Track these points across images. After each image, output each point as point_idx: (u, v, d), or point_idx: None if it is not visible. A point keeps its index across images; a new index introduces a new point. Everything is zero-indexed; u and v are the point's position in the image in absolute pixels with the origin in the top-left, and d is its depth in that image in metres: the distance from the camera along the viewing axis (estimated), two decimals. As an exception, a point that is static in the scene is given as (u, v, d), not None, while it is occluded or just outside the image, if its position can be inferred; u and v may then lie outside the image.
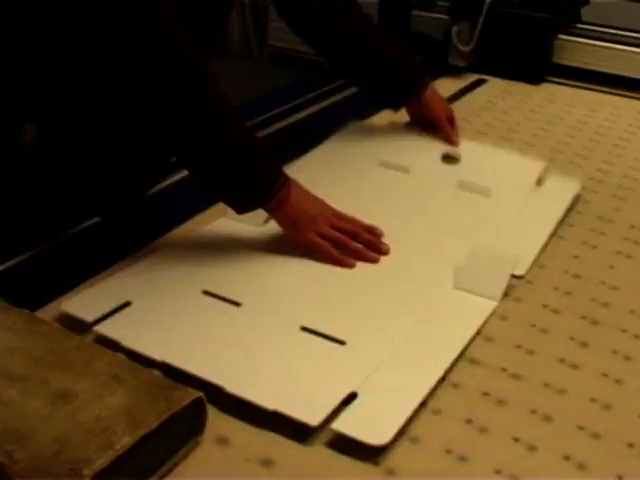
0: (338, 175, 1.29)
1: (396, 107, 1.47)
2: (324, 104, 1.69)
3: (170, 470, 0.74)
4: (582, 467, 0.77)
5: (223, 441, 0.77)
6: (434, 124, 1.45)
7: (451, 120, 1.46)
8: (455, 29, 1.86)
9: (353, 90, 1.77)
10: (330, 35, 1.37)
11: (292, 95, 1.70)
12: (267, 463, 0.75)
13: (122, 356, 0.80)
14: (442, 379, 0.87)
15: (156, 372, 0.78)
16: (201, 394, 0.75)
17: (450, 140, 1.42)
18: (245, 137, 1.00)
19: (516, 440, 0.80)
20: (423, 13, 2.00)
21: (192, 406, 0.74)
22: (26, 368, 0.76)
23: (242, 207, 1.04)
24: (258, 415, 0.79)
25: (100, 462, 0.66)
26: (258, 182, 1.01)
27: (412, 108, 1.47)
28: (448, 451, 0.78)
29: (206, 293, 0.96)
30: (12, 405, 0.71)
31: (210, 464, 0.75)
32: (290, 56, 4.20)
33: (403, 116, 1.50)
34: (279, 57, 4.38)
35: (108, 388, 0.74)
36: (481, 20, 1.86)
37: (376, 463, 0.76)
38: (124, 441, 0.68)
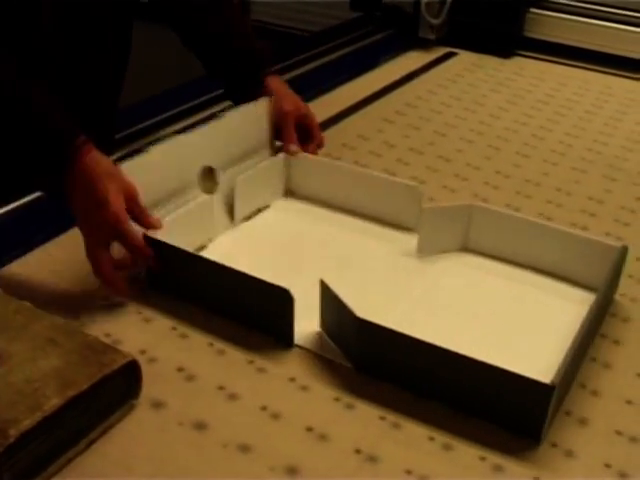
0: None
1: (239, 99, 1.21)
2: (294, 74, 1.69)
3: (104, 432, 0.74)
4: None
5: (158, 404, 0.78)
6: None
7: (302, 120, 1.21)
8: (425, 2, 1.85)
9: (323, 61, 1.79)
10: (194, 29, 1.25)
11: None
12: (200, 426, 0.76)
13: (60, 320, 0.80)
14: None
15: (92, 336, 0.78)
16: (134, 357, 0.75)
17: (286, 147, 1.18)
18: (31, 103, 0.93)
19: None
20: (395, -15, 1.99)
21: (125, 369, 0.75)
22: (-38, 331, 0.76)
23: (37, 168, 0.93)
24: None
25: (27, 422, 0.66)
26: (50, 139, 0.91)
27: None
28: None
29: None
30: (-55, 366, 0.72)
31: (143, 427, 0.75)
32: (273, 30, 4.19)
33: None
34: (261, 31, 4.37)
35: (42, 351, 0.75)
36: (451, -7, 1.86)
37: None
38: (53, 402, 0.69)
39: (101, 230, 0.89)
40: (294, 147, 1.18)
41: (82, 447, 0.72)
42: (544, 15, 1.93)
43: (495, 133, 1.47)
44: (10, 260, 0.97)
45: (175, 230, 0.95)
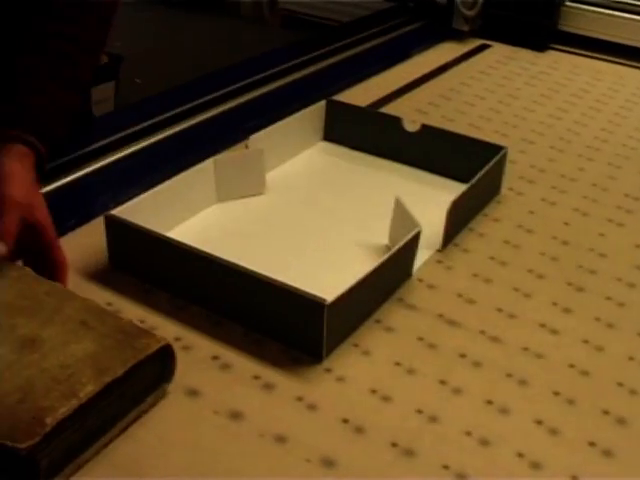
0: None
1: None
2: (325, 64, 1.68)
3: (138, 417, 0.73)
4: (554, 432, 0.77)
5: (192, 392, 0.77)
6: None
7: (29, 215, 0.84)
8: (459, -8, 1.84)
9: (355, 51, 1.77)
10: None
11: (291, 55, 1.69)
12: (235, 415, 0.75)
13: (93, 302, 0.79)
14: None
15: (125, 319, 0.77)
16: (168, 341, 0.74)
17: None
18: None
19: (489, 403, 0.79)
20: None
21: (159, 353, 0.74)
22: (-5, 313, 0.75)
23: None
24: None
25: (63, 410, 0.65)
26: None
27: None
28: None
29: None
30: (-21, 351, 0.71)
31: (178, 414, 0.74)
32: (301, 19, 4.17)
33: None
34: (290, 20, 4.36)
35: (75, 334, 0.74)
36: (486, -16, 1.84)
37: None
38: (88, 389, 0.68)
39: None
40: (3, 247, 0.80)
41: (116, 432, 0.71)
42: (579, 9, 1.91)
43: (529, 127, 1.45)
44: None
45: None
